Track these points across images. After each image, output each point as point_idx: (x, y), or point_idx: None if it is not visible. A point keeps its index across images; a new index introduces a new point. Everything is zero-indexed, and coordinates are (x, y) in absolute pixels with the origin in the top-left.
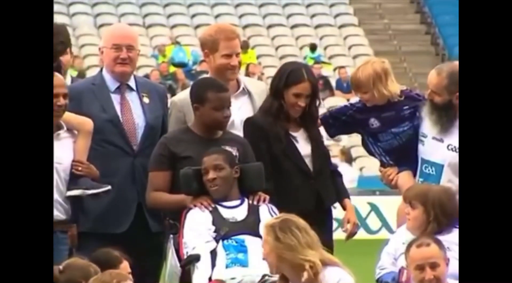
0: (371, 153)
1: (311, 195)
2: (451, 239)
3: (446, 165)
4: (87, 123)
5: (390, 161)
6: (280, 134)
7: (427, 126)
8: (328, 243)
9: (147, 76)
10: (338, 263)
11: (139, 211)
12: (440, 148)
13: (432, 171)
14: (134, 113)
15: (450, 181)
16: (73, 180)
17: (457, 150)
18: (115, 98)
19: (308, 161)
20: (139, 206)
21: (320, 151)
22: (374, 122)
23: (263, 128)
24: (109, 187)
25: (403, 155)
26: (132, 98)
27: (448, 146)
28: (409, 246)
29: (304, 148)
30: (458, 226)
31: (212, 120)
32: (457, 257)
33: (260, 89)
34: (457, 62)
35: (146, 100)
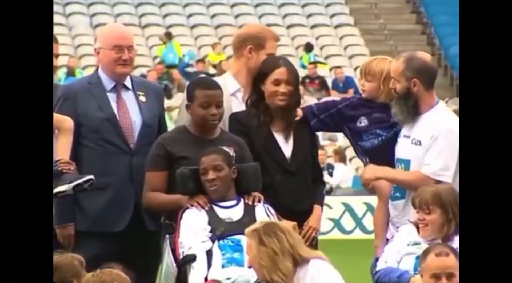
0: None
1: (290, 193)
2: None
3: (412, 159)
4: (67, 121)
5: (369, 161)
6: (262, 131)
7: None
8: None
9: (143, 76)
10: (321, 256)
11: (136, 210)
12: (407, 144)
13: (402, 168)
14: (131, 112)
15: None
16: (56, 177)
17: (421, 143)
18: (111, 97)
19: (289, 161)
20: (136, 205)
21: (301, 153)
22: (363, 121)
23: (246, 124)
24: (91, 176)
25: (382, 156)
26: (128, 97)
27: (412, 140)
28: (427, 252)
29: (285, 149)
30: None
31: (200, 118)
32: None
33: None
34: (420, 52)
35: (142, 99)
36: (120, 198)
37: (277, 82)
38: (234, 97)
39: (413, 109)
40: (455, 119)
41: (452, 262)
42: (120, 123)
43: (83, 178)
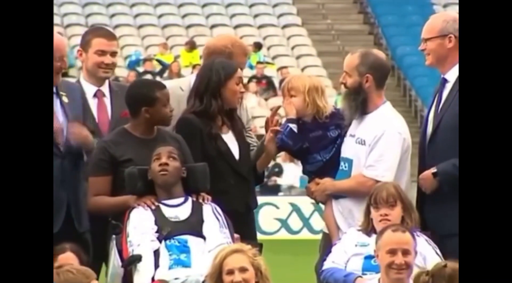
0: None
1: (243, 196)
2: None
3: (354, 159)
4: None
5: (315, 177)
6: (215, 135)
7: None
8: (255, 242)
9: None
10: None
11: (67, 212)
12: (351, 143)
13: (346, 167)
14: (58, 114)
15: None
16: None
17: (364, 143)
18: None
19: (239, 165)
20: (68, 207)
21: (247, 153)
22: (305, 144)
23: (199, 128)
24: None
25: (327, 170)
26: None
27: (356, 140)
28: (383, 230)
29: (233, 150)
30: None
31: (163, 117)
32: None
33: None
34: (376, 50)
35: (65, 99)
36: (54, 201)
37: (238, 82)
38: None
39: (361, 106)
40: (400, 120)
41: (408, 238)
42: None
43: None
